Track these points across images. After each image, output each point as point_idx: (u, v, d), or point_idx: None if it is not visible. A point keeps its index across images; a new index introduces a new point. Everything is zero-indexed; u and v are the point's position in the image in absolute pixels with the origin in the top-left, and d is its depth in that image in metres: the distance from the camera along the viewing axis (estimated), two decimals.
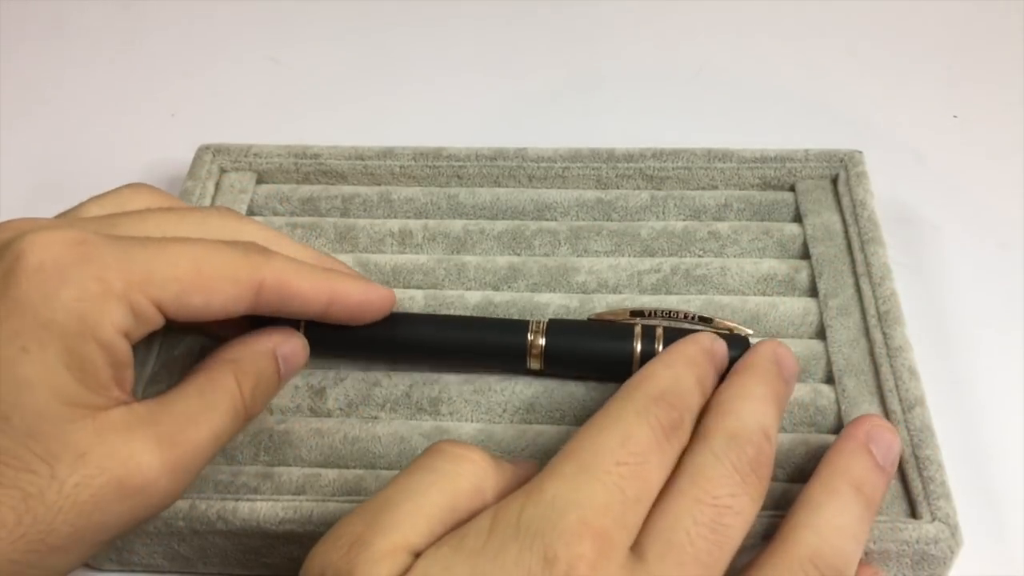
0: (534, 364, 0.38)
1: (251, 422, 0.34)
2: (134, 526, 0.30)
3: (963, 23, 0.59)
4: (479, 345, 0.38)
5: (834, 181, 0.45)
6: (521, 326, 0.38)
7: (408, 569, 0.26)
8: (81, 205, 0.34)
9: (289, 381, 0.36)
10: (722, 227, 0.43)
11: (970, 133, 0.52)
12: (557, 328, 0.38)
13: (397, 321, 0.38)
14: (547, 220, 0.45)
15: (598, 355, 0.37)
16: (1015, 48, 0.56)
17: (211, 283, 0.31)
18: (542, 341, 0.37)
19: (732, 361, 0.37)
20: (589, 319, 0.39)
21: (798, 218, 0.44)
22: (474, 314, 0.41)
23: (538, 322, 0.38)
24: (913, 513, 0.33)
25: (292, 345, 0.35)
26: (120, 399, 0.30)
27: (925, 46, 0.57)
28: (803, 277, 0.41)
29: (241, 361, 0.33)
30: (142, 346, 0.39)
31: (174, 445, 0.30)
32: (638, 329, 0.37)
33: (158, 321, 0.30)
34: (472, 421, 0.38)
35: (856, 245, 0.41)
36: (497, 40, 0.60)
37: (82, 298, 0.28)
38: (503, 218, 0.45)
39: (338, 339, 0.37)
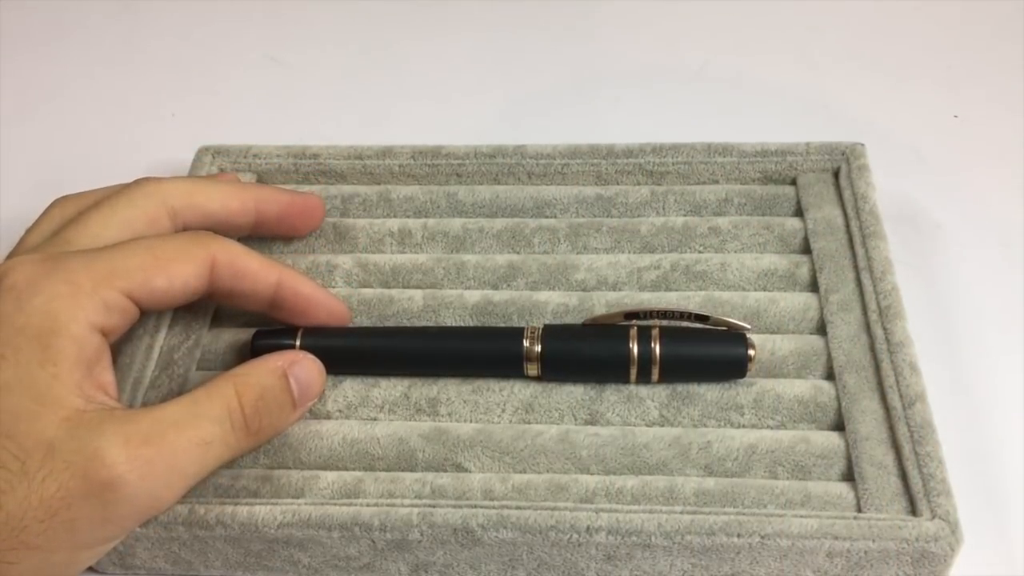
0: (531, 370, 0.38)
1: (262, 443, 0.35)
2: (114, 530, 0.30)
3: (963, 23, 0.58)
4: (475, 355, 0.38)
5: (836, 174, 0.44)
6: (516, 333, 0.38)
7: None
8: (21, 241, 0.37)
9: (305, 411, 0.37)
10: (722, 222, 0.43)
11: (970, 132, 0.52)
12: (552, 334, 0.38)
13: (392, 335, 0.39)
14: (546, 217, 0.45)
15: (594, 359, 0.37)
16: (1015, 48, 0.56)
17: (169, 265, 0.34)
18: (538, 348, 0.37)
19: (732, 358, 0.37)
20: (584, 323, 0.39)
21: (799, 212, 0.44)
22: (473, 313, 0.41)
23: (533, 328, 0.38)
24: (913, 510, 0.33)
25: (306, 368, 0.35)
26: (99, 401, 0.30)
27: (925, 46, 0.57)
28: (804, 272, 0.41)
29: (246, 375, 0.34)
30: (142, 353, 0.39)
31: (146, 444, 0.30)
32: (633, 331, 0.37)
33: (131, 310, 0.33)
34: (471, 421, 0.38)
35: (857, 239, 0.41)
36: (497, 39, 0.59)
37: (53, 299, 0.30)
38: (502, 216, 0.45)
39: (333, 354, 0.38)
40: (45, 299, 0.30)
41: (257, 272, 0.36)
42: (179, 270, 0.34)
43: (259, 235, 0.41)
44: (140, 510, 0.30)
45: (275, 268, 0.36)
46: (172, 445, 0.30)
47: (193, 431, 0.31)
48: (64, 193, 0.39)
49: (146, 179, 0.37)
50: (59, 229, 0.35)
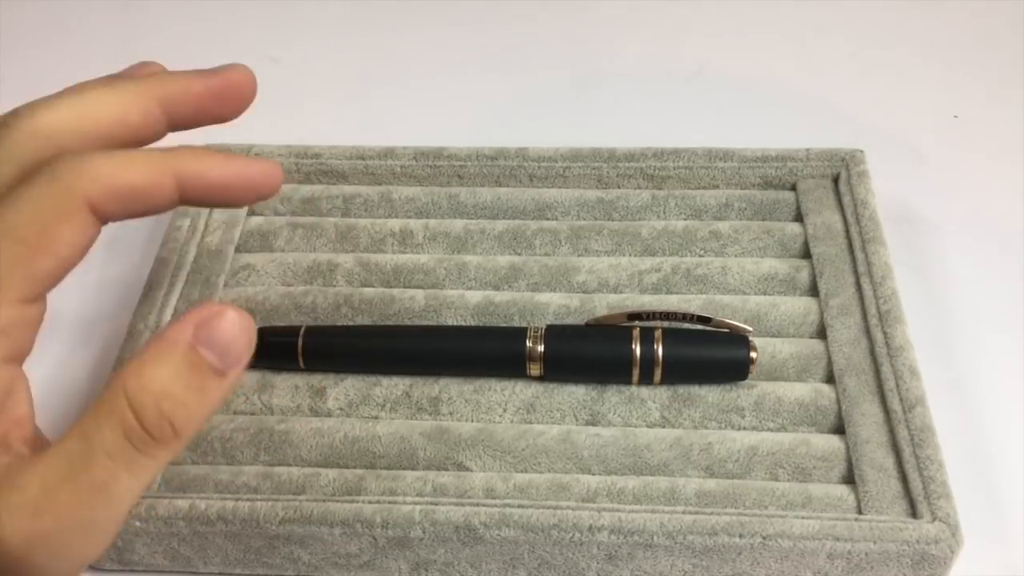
0: (534, 370, 0.38)
1: (190, 438, 0.27)
2: None
3: (963, 23, 0.59)
4: (477, 355, 0.38)
5: (835, 180, 0.45)
6: (519, 333, 0.38)
7: None
8: None
9: (242, 367, 0.27)
10: (723, 226, 0.43)
11: (970, 133, 0.52)
12: (555, 334, 0.38)
13: (394, 334, 0.39)
14: (548, 220, 0.45)
15: (597, 360, 0.38)
16: (1015, 48, 0.56)
17: (43, 242, 0.27)
18: (541, 347, 0.37)
19: (734, 360, 0.37)
20: (587, 324, 0.39)
21: (799, 217, 0.44)
22: (475, 313, 0.41)
23: (536, 328, 0.38)
24: (913, 513, 0.33)
25: (219, 328, 0.26)
26: (5, 448, 0.26)
27: (925, 46, 0.57)
28: (804, 276, 0.41)
29: (139, 374, 0.26)
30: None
31: (36, 516, 0.25)
32: (636, 332, 0.37)
33: (34, 310, 0.28)
34: (472, 421, 0.38)
35: (857, 244, 0.41)
36: (497, 40, 0.60)
37: None
38: (504, 218, 0.45)
39: (335, 352, 0.38)
40: None
41: (148, 185, 0.28)
42: (58, 239, 0.27)
43: (179, 131, 0.32)
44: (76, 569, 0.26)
45: (167, 168, 0.29)
46: (67, 504, 0.25)
47: (87, 477, 0.25)
48: None
49: (17, 115, 0.29)
50: None
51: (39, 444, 0.27)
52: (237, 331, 0.27)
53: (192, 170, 0.29)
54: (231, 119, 0.32)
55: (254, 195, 0.31)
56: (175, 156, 0.29)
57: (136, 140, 0.30)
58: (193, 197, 0.29)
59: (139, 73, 0.32)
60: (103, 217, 0.28)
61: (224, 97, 0.32)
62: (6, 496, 0.25)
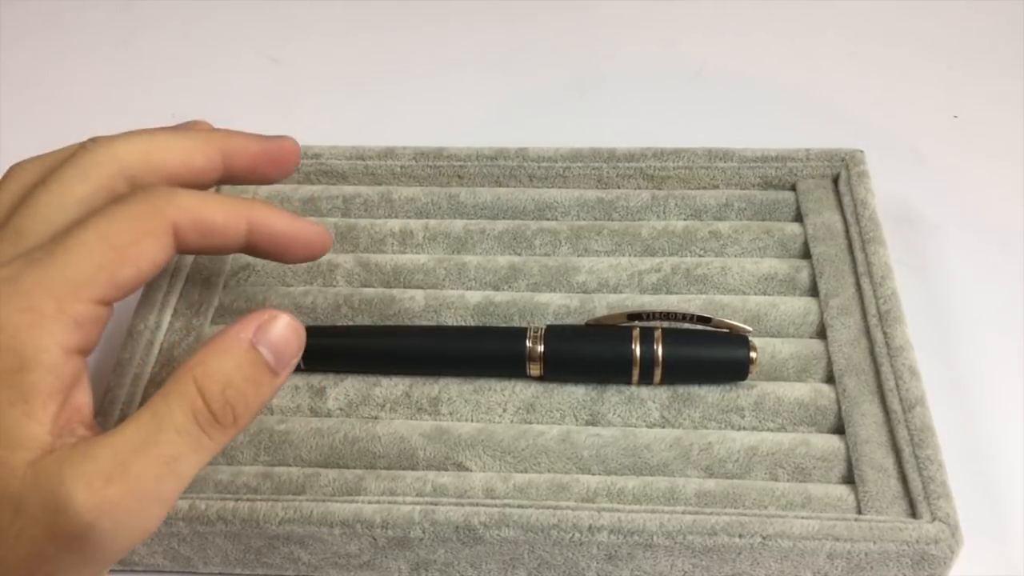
0: (534, 371, 0.38)
1: (245, 426, 0.30)
2: (99, 568, 0.28)
3: (963, 23, 0.59)
4: (477, 355, 0.38)
5: (835, 180, 0.45)
6: (519, 333, 0.38)
7: None
8: None
9: (291, 370, 0.31)
10: (723, 227, 0.43)
11: (970, 133, 0.52)
12: (555, 334, 0.38)
13: (394, 334, 0.39)
14: (548, 220, 0.45)
15: (597, 360, 0.38)
16: (1015, 48, 0.56)
17: (131, 250, 0.29)
18: (540, 348, 0.37)
19: (734, 360, 0.37)
20: (587, 324, 0.39)
21: (799, 218, 0.44)
22: (475, 314, 0.41)
23: (536, 328, 0.38)
24: (913, 513, 0.33)
25: (277, 330, 0.30)
26: (71, 432, 0.28)
27: (925, 46, 0.57)
28: (804, 277, 0.41)
29: (204, 364, 0.29)
30: (142, 349, 0.39)
31: (109, 483, 0.27)
32: (636, 332, 0.37)
33: (104, 312, 0.30)
34: (472, 421, 0.38)
35: (857, 244, 0.41)
36: (497, 40, 0.60)
37: (15, 335, 0.27)
38: (504, 218, 0.45)
39: (334, 352, 0.38)
40: (7, 335, 0.27)
41: (225, 224, 0.32)
42: (143, 252, 0.30)
43: (228, 183, 0.37)
44: (122, 547, 0.28)
45: (243, 212, 0.32)
46: (137, 475, 0.27)
47: (157, 450, 0.27)
48: None
49: (96, 142, 0.32)
50: (10, 213, 0.31)
51: (97, 432, 0.29)
52: (291, 334, 0.30)
53: (262, 220, 0.33)
54: (275, 181, 0.37)
55: (307, 253, 0.34)
56: (250, 205, 0.33)
57: (195, 183, 0.34)
58: (257, 244, 0.33)
59: (197, 127, 0.37)
60: (181, 244, 0.31)
61: (276, 160, 0.36)
62: (79, 465, 0.26)
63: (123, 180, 0.32)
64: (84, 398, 0.29)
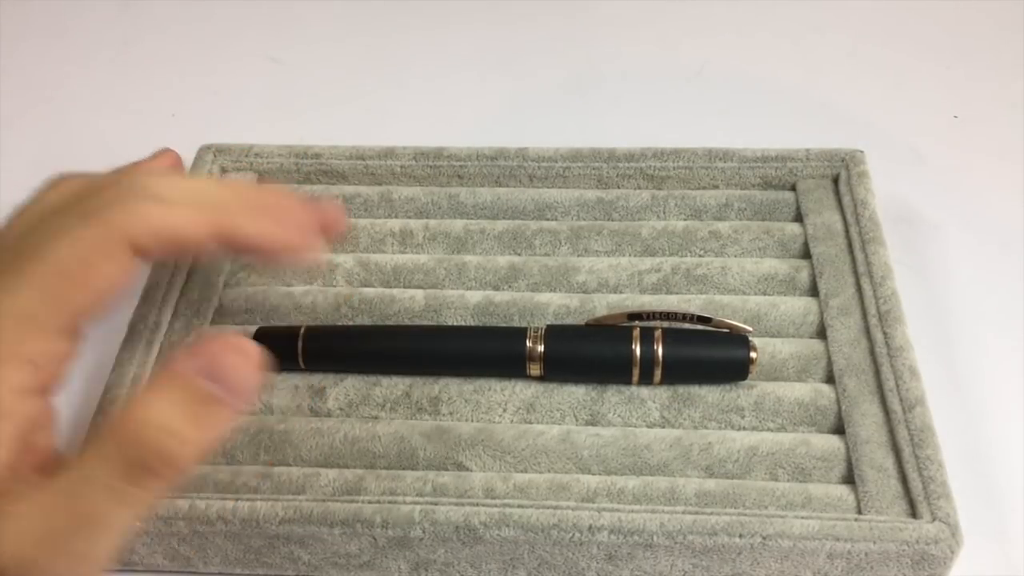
0: (534, 370, 0.38)
1: (189, 470, 0.27)
2: None
3: (963, 23, 0.59)
4: (477, 355, 0.38)
5: (835, 180, 0.45)
6: (519, 333, 0.38)
7: None
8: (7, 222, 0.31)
9: (251, 393, 0.28)
10: (723, 227, 0.43)
11: (970, 133, 0.52)
12: (555, 334, 0.38)
13: (394, 334, 0.39)
14: (548, 220, 0.45)
15: (597, 359, 0.38)
16: (1015, 48, 0.56)
17: (82, 277, 0.27)
18: (541, 348, 0.37)
19: (734, 360, 0.37)
20: (587, 324, 0.39)
21: (799, 218, 0.44)
22: (475, 314, 0.41)
23: (536, 328, 0.38)
24: (913, 513, 0.33)
25: (218, 353, 0.27)
26: (24, 479, 0.26)
27: (925, 46, 0.57)
28: (804, 277, 0.41)
29: (141, 406, 0.26)
30: (141, 350, 0.39)
31: (34, 544, 0.25)
32: (636, 332, 0.37)
33: (67, 344, 0.28)
34: (472, 420, 0.38)
35: (857, 245, 0.41)
36: (497, 40, 0.60)
37: None
38: (504, 218, 0.45)
39: (334, 352, 0.38)
40: None
41: (192, 234, 0.29)
42: (97, 276, 0.27)
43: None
44: None
45: (212, 221, 0.30)
46: (63, 535, 0.25)
47: (84, 509, 0.25)
48: None
49: (122, 198, 0.29)
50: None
51: (56, 465, 0.27)
52: (239, 360, 0.27)
53: (233, 228, 0.30)
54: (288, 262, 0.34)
55: (292, 260, 0.32)
56: (222, 212, 0.30)
57: (194, 246, 0.30)
58: (234, 248, 0.31)
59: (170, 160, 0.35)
60: (145, 256, 0.29)
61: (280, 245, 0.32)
62: (4, 523, 0.25)
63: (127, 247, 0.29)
64: (46, 440, 0.28)
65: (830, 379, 0.38)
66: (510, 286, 0.42)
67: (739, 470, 0.36)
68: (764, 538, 0.32)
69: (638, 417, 0.38)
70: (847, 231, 0.42)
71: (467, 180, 0.46)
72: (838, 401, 0.37)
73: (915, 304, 0.41)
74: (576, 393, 0.38)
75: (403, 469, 0.37)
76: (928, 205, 0.48)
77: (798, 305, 0.40)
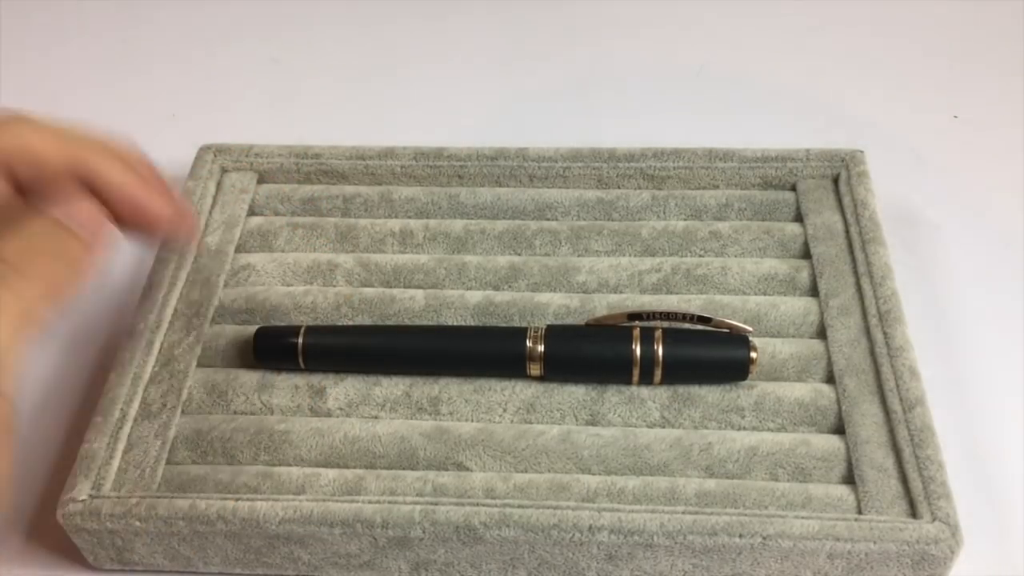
0: (534, 370, 0.38)
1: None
2: None
3: (963, 23, 0.59)
4: (477, 355, 0.38)
5: (835, 181, 0.45)
6: (519, 333, 0.38)
7: None
8: None
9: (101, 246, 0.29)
10: (723, 227, 0.43)
11: (970, 133, 0.52)
12: (555, 334, 0.38)
13: (394, 334, 0.39)
14: (548, 220, 0.45)
15: (597, 359, 0.38)
16: (1015, 48, 0.57)
17: None
18: (541, 348, 0.37)
19: (734, 360, 0.37)
20: (587, 324, 0.39)
21: (799, 218, 0.44)
22: (475, 314, 0.41)
23: (536, 328, 0.38)
24: (913, 513, 0.33)
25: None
26: None
27: (925, 46, 0.57)
28: (804, 277, 0.41)
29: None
30: (142, 349, 0.39)
31: None
32: (636, 332, 0.37)
33: None
34: (472, 421, 0.38)
35: (857, 245, 0.41)
36: (497, 40, 0.60)
37: None
38: (504, 218, 0.45)
39: (335, 352, 0.38)
40: None
41: (54, 159, 0.30)
42: None
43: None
44: None
45: (74, 152, 0.30)
46: None
47: None
48: None
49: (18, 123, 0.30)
50: None
51: None
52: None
53: (95, 167, 0.31)
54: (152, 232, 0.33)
55: (148, 226, 0.32)
56: (88, 148, 0.31)
57: (53, 175, 0.31)
58: (99, 195, 0.31)
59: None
60: (14, 178, 0.29)
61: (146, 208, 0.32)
62: None
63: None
64: None
65: (830, 379, 0.38)
66: (510, 286, 0.42)
67: (739, 470, 0.36)
68: (764, 538, 0.32)
69: (638, 417, 0.38)
70: (847, 231, 0.42)
71: (467, 180, 0.46)
72: (838, 401, 0.37)
73: (915, 304, 0.41)
74: (576, 393, 0.38)
75: (403, 469, 0.37)
76: (928, 205, 0.48)
77: (798, 305, 0.40)
